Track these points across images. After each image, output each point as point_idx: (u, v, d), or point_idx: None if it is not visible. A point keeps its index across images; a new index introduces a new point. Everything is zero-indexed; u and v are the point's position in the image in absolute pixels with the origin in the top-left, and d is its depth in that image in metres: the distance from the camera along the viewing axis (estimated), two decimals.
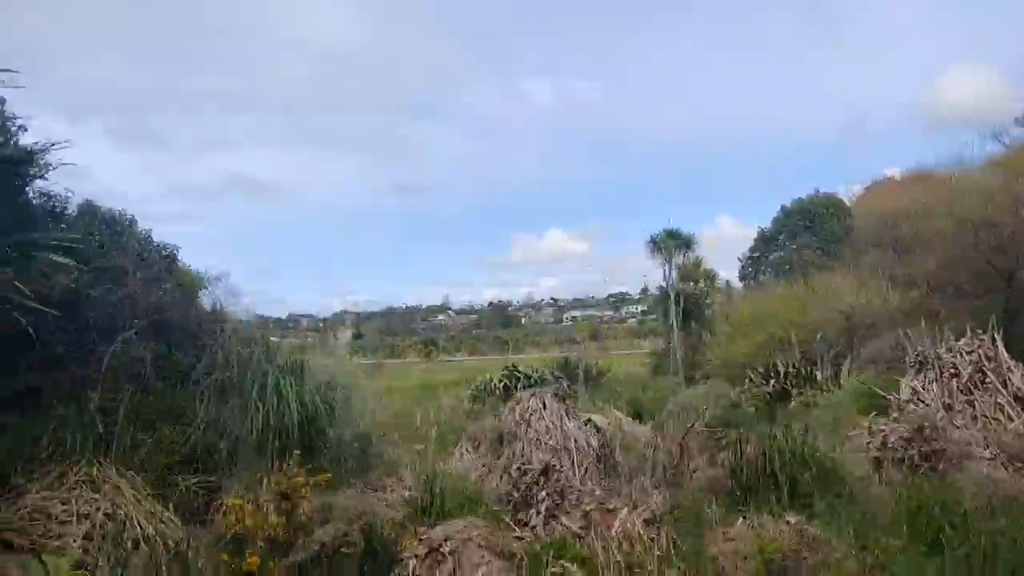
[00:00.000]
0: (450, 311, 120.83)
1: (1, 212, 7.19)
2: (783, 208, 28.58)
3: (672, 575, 5.73)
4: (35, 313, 6.79)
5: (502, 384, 21.70)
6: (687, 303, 24.40)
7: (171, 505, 7.57)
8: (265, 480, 8.11)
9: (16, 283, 6.57)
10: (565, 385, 18.65)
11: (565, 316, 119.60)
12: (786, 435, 7.47)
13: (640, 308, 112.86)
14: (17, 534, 6.45)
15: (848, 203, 28.64)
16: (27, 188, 7.99)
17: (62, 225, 8.24)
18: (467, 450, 11.43)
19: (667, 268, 24.59)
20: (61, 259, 7.21)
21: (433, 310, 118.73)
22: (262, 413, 7.65)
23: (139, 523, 7.03)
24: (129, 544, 6.86)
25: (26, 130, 7.86)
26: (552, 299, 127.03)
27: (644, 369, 36.86)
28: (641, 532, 7.09)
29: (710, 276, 25.57)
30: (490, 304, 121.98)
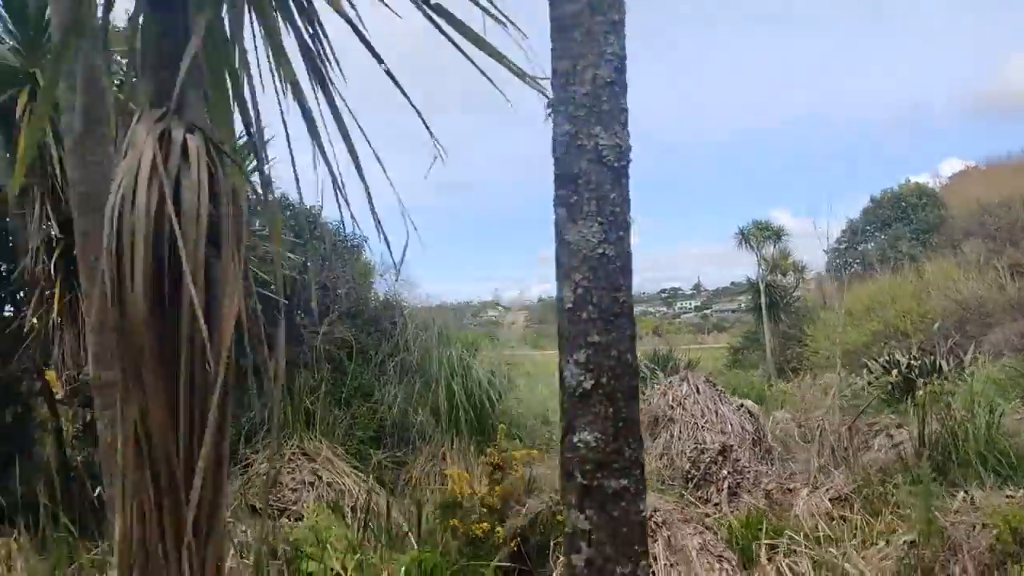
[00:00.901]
0: (500, 306, 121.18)
1: None
2: (872, 198, 28.12)
3: (896, 540, 5.92)
4: (260, 298, 7.40)
5: None
6: (775, 295, 24.25)
7: (370, 476, 8.17)
8: (448, 454, 8.65)
9: (253, 269, 7.18)
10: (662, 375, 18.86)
11: None
12: (972, 416, 7.55)
13: (694, 304, 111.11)
14: (259, 499, 7.06)
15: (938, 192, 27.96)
16: None
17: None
18: None
19: (756, 259, 24.52)
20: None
21: (486, 305, 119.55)
22: (456, 392, 8.11)
23: (354, 491, 7.60)
24: (348, 510, 7.44)
25: None
26: None
27: (718, 363, 36.56)
28: (831, 509, 7.33)
29: (799, 268, 25.31)
30: (540, 300, 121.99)
